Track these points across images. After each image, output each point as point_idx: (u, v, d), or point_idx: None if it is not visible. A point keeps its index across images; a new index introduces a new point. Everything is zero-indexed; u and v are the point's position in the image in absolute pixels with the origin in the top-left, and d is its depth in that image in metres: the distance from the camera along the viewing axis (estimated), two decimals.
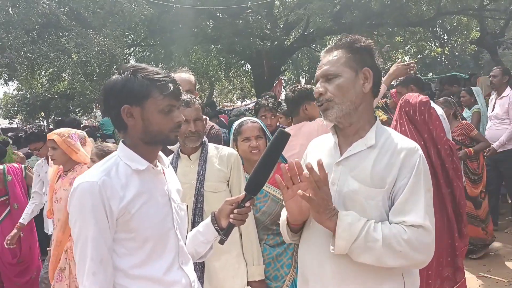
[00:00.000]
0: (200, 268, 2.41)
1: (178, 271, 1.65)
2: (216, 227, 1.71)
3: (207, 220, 1.76)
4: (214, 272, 2.44)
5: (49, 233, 4.17)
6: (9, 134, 11.04)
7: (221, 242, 1.67)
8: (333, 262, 1.61)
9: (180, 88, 1.63)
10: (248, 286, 2.49)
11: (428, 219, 1.53)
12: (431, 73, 19.72)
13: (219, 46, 14.64)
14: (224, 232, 1.65)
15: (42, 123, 21.22)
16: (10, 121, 22.46)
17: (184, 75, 3.28)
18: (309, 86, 3.38)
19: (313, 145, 1.90)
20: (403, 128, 2.93)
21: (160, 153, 1.73)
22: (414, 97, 3.03)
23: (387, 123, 4.31)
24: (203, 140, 2.54)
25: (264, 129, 2.75)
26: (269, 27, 13.02)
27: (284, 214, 1.82)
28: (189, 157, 2.50)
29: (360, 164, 1.62)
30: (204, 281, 2.43)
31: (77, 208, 1.48)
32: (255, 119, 2.85)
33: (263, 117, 4.09)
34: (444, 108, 4.53)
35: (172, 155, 2.59)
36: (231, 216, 1.63)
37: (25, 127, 19.32)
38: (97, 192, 1.46)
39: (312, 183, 1.50)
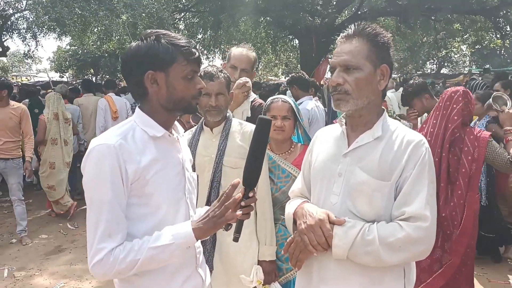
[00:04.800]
0: (211, 241, 2.41)
1: None
2: None
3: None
4: (225, 246, 2.44)
5: None
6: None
7: (235, 239, 1.63)
8: None
9: (201, 54, 1.62)
10: (258, 264, 2.47)
11: (428, 209, 1.54)
12: (488, 65, 18.76)
13: (268, 18, 14.44)
14: (236, 230, 1.62)
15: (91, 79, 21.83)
16: (61, 75, 23.20)
17: (244, 51, 3.08)
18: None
19: (319, 135, 1.90)
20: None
21: (175, 121, 1.72)
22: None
23: None
24: (227, 114, 2.50)
25: (294, 110, 2.68)
26: (321, 3, 12.69)
27: (291, 208, 1.81)
28: (211, 130, 2.47)
29: (367, 155, 1.64)
30: (215, 255, 2.44)
31: (93, 170, 1.47)
32: (287, 98, 2.76)
33: None
34: None
35: (195, 127, 2.57)
36: (238, 212, 1.58)
37: (74, 82, 19.96)
38: (114, 155, 1.45)
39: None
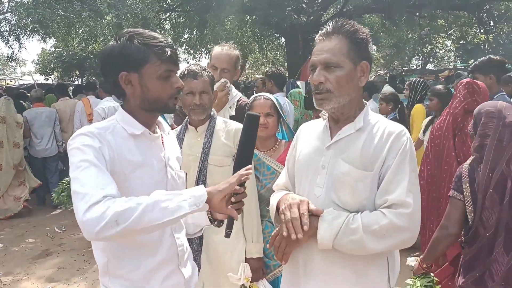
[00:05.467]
0: (198, 240, 2.41)
1: (170, 238, 1.67)
2: (209, 217, 1.71)
3: None
4: (212, 245, 2.44)
5: None
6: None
7: (227, 235, 1.62)
8: None
9: (177, 53, 1.61)
10: (245, 262, 2.48)
11: (411, 196, 1.56)
12: (472, 60, 18.98)
13: (254, 17, 14.43)
14: (228, 226, 1.62)
15: (76, 81, 21.62)
16: (46, 77, 22.95)
17: (224, 50, 2.98)
18: None
19: (303, 129, 1.92)
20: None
21: (161, 119, 1.72)
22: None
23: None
24: (211, 113, 2.49)
25: (277, 106, 2.69)
26: (306, 1, 12.71)
27: (275, 199, 1.81)
28: (196, 129, 2.47)
29: (349, 147, 1.66)
30: (202, 253, 2.44)
31: (75, 144, 1.44)
32: (270, 95, 2.77)
33: None
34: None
35: (180, 126, 2.57)
36: (229, 207, 1.55)
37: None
38: (95, 137, 1.47)
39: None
